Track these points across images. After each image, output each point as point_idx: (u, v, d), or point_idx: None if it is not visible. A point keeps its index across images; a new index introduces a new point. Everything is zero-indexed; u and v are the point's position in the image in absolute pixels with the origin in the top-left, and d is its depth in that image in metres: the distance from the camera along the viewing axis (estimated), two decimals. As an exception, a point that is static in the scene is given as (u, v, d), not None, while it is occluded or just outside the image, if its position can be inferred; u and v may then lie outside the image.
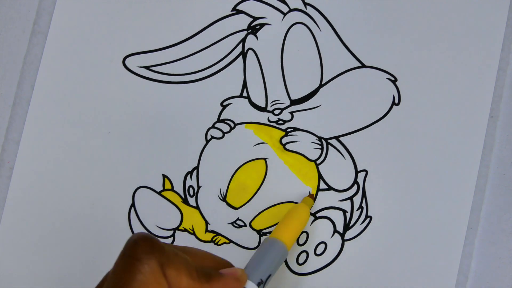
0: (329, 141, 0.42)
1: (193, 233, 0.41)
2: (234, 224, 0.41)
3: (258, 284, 0.33)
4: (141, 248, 0.27)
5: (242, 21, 0.42)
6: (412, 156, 0.41)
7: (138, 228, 0.41)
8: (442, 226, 0.41)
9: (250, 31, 0.42)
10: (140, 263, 0.27)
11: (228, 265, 0.33)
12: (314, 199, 0.41)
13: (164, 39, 0.42)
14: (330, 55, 0.42)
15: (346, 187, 0.41)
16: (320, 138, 0.42)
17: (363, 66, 0.42)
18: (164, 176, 0.42)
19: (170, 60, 0.42)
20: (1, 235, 0.41)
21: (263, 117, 0.42)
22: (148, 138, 0.42)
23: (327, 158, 0.42)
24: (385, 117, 0.42)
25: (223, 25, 0.42)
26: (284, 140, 0.42)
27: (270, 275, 0.35)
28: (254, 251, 0.40)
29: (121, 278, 0.27)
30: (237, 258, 0.40)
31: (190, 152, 0.42)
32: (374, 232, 0.41)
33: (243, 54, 0.42)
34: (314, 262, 0.41)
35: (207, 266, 0.31)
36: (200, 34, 0.42)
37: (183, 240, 0.41)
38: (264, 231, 0.41)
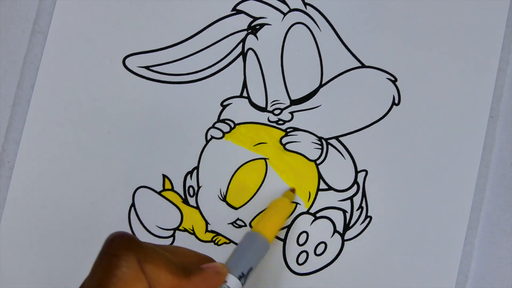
0: (329, 141, 0.42)
1: (193, 233, 0.41)
2: (234, 224, 0.41)
3: (240, 278, 0.33)
4: (119, 244, 0.27)
5: (242, 21, 0.42)
6: (412, 156, 0.41)
7: (138, 228, 0.41)
8: (442, 226, 0.41)
9: (250, 31, 0.42)
10: (118, 259, 0.27)
11: (210, 260, 0.33)
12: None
13: (164, 39, 0.42)
14: (330, 55, 0.42)
15: (346, 187, 0.41)
16: (320, 138, 0.42)
17: (363, 66, 0.42)
18: (164, 176, 0.42)
19: (170, 60, 0.42)
20: (1, 235, 0.41)
21: (263, 117, 0.42)
22: (148, 138, 0.42)
23: (327, 158, 0.42)
24: (385, 117, 0.42)
25: (223, 25, 0.42)
26: (284, 140, 0.42)
27: (251, 269, 0.35)
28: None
29: (100, 275, 0.27)
30: (237, 258, 0.40)
31: (190, 152, 0.42)
32: (374, 232, 0.41)
33: (243, 54, 0.42)
34: (314, 262, 0.41)
35: (188, 262, 0.31)
36: (200, 34, 0.42)
37: (183, 240, 0.41)
38: (264, 231, 0.41)
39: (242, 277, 0.34)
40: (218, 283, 0.32)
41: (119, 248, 0.27)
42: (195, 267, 0.30)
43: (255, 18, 0.42)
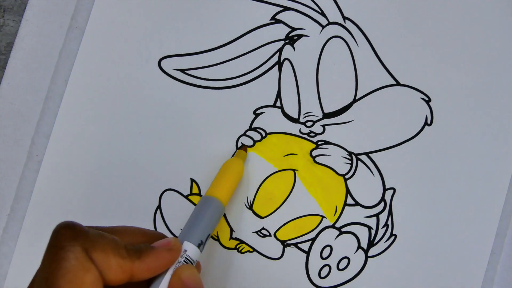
0: (359, 156, 0.42)
1: (217, 239, 0.41)
2: (259, 233, 0.41)
3: (198, 246, 0.33)
4: (63, 236, 0.27)
5: (280, 31, 0.42)
6: (440, 177, 0.41)
7: (163, 231, 0.41)
8: (465, 250, 0.41)
9: (287, 41, 0.42)
10: (63, 250, 0.27)
11: (161, 236, 0.33)
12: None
13: (202, 43, 0.42)
14: (365, 71, 0.42)
15: (373, 204, 0.41)
16: (350, 153, 0.42)
17: (398, 84, 0.42)
18: (192, 180, 0.41)
19: (206, 65, 0.42)
20: (26, 228, 0.41)
21: (295, 128, 0.42)
22: (178, 141, 0.42)
23: (356, 173, 0.41)
24: (417, 137, 0.42)
25: (261, 33, 0.42)
26: (314, 153, 0.41)
27: (209, 235, 0.34)
28: (278, 261, 0.41)
29: (47, 269, 0.27)
30: (260, 267, 0.40)
31: (220, 158, 0.41)
32: (398, 251, 0.41)
33: (279, 63, 0.42)
34: (336, 277, 0.41)
35: (138, 242, 0.31)
36: (238, 41, 0.42)
37: (207, 245, 0.41)
38: (288, 242, 0.41)
39: (201, 245, 0.33)
40: (171, 259, 0.31)
41: (64, 239, 0.27)
42: (146, 247, 0.30)
43: (293, 29, 0.42)
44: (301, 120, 0.42)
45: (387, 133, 0.42)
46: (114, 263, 0.28)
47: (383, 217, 0.41)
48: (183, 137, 0.42)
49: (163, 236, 0.33)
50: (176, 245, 0.31)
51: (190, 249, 0.32)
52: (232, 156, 0.41)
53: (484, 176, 0.41)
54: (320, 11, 0.42)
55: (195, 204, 0.41)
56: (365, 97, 0.42)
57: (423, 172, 0.42)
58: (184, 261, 0.31)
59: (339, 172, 0.41)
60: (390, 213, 0.41)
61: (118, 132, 0.42)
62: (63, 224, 0.28)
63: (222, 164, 0.40)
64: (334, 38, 0.42)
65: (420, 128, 0.42)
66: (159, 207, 0.41)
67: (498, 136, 0.42)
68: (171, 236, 0.36)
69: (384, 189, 0.41)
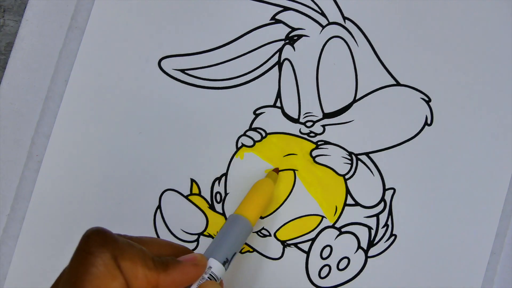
0: (359, 156, 0.42)
1: (217, 239, 0.41)
2: (259, 233, 0.41)
3: (224, 263, 0.33)
4: (93, 241, 0.27)
5: (280, 31, 0.42)
6: (440, 177, 0.41)
7: (163, 231, 0.41)
8: (465, 250, 0.41)
9: (287, 41, 0.42)
10: (92, 256, 0.27)
11: (187, 251, 0.33)
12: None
13: (202, 44, 0.42)
14: (365, 71, 0.42)
15: (373, 204, 0.41)
16: (350, 153, 0.42)
17: (398, 84, 0.42)
18: (192, 181, 0.41)
19: (206, 65, 0.42)
20: (26, 227, 0.41)
21: (295, 128, 0.42)
22: (178, 141, 0.42)
23: (356, 173, 0.42)
24: (417, 137, 0.42)
25: (261, 33, 0.42)
26: (314, 153, 0.41)
27: (235, 253, 0.34)
28: (278, 261, 0.41)
29: (75, 272, 0.27)
30: (260, 267, 0.40)
31: (220, 158, 0.41)
32: (398, 251, 0.41)
33: (279, 64, 0.42)
34: (336, 277, 0.41)
35: (165, 254, 0.31)
36: (238, 41, 0.42)
37: (207, 245, 0.41)
38: (288, 242, 0.41)
39: (226, 262, 0.33)
40: (196, 275, 0.31)
41: (94, 245, 0.27)
42: (172, 260, 0.30)
43: (293, 29, 0.42)
44: (301, 120, 0.42)
45: (387, 133, 0.42)
46: (141, 273, 0.28)
47: (383, 217, 0.41)
48: (183, 137, 0.42)
49: (189, 251, 0.33)
50: (202, 261, 0.31)
51: (215, 266, 0.32)
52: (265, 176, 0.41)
53: (484, 176, 0.41)
54: (320, 11, 0.42)
55: (195, 205, 0.41)
56: (365, 97, 0.42)
57: (423, 172, 0.42)
58: (208, 277, 0.31)
59: (339, 172, 0.41)
60: (390, 213, 0.41)
61: (118, 132, 0.42)
62: (94, 230, 0.28)
63: (225, 163, 0.40)
64: (334, 38, 0.42)
65: (420, 128, 0.42)
66: (159, 207, 0.41)
67: (498, 136, 0.42)
68: (197, 252, 0.36)
69: (384, 189, 0.41)
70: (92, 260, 0.27)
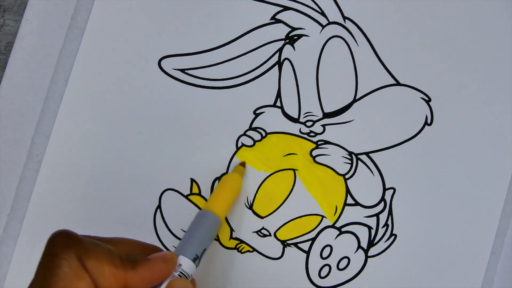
0: (359, 156, 0.42)
1: (217, 239, 0.41)
2: (259, 233, 0.41)
3: (194, 260, 0.33)
4: (58, 243, 0.27)
5: (280, 31, 0.42)
6: (440, 177, 0.41)
7: (163, 230, 0.41)
8: (465, 250, 0.41)
9: (287, 41, 0.42)
10: (57, 258, 0.27)
11: (157, 250, 0.33)
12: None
13: (202, 43, 0.42)
14: (365, 71, 0.42)
15: (373, 204, 0.41)
16: (350, 153, 0.42)
17: (398, 83, 0.42)
18: (192, 180, 0.41)
19: (206, 65, 0.42)
20: (25, 227, 0.41)
21: (295, 128, 0.42)
22: (178, 141, 0.42)
23: (356, 173, 0.41)
24: (417, 136, 0.42)
25: (261, 33, 0.42)
26: (314, 153, 0.41)
27: (205, 249, 0.34)
28: (278, 261, 0.41)
29: (41, 276, 0.27)
30: (260, 267, 0.40)
31: (220, 158, 0.41)
32: (398, 251, 0.41)
33: (279, 63, 0.42)
34: (336, 276, 0.41)
35: (134, 253, 0.31)
36: (238, 40, 0.42)
37: (207, 245, 0.41)
38: (288, 241, 0.41)
39: (196, 259, 0.33)
40: (166, 272, 0.31)
41: (59, 246, 0.27)
42: (141, 258, 0.30)
43: (293, 29, 0.42)
44: (301, 120, 0.42)
45: (387, 133, 0.42)
46: (107, 271, 0.28)
47: (383, 217, 0.41)
48: (183, 137, 0.42)
49: (159, 250, 0.33)
50: (172, 258, 0.31)
51: (185, 263, 0.32)
52: (230, 171, 0.41)
53: (484, 176, 0.41)
54: (320, 11, 0.42)
55: (195, 204, 0.41)
56: (365, 97, 0.42)
57: (423, 172, 0.42)
58: (178, 275, 0.31)
59: (339, 172, 0.41)
60: (390, 213, 0.41)
61: (118, 132, 0.42)
62: (58, 232, 0.28)
63: (225, 162, 0.40)
64: (334, 38, 0.42)
65: (420, 128, 0.42)
66: (159, 207, 0.41)
67: (498, 136, 0.42)
68: (167, 249, 0.36)
69: (384, 189, 0.41)
70: (57, 262, 0.27)
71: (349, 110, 0.42)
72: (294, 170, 0.41)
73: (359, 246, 0.41)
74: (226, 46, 0.42)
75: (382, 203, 0.41)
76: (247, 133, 0.42)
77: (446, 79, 0.42)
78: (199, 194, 0.41)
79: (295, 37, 0.42)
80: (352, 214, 0.41)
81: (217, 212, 0.36)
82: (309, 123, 0.42)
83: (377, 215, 0.41)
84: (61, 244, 0.27)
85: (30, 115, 0.42)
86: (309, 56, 0.42)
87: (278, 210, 0.41)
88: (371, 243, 0.41)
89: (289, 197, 0.41)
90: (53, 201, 0.41)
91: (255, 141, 0.42)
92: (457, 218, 0.41)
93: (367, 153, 0.42)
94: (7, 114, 0.42)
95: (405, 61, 0.42)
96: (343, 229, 0.41)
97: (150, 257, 0.30)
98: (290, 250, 0.41)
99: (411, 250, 0.41)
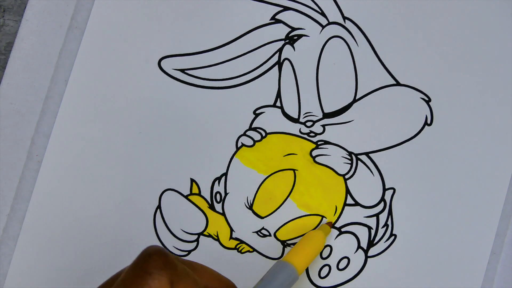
0: (359, 156, 0.42)
1: (217, 239, 0.41)
2: (259, 233, 0.41)
3: None
4: (154, 262, 0.27)
5: (280, 31, 0.42)
6: (440, 177, 0.41)
7: (162, 230, 0.41)
8: (465, 250, 0.41)
9: (287, 41, 0.42)
10: (151, 277, 0.27)
11: (231, 286, 0.33)
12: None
13: (202, 43, 0.42)
14: (365, 71, 0.42)
15: (373, 204, 0.41)
16: (350, 153, 0.42)
17: (398, 84, 0.42)
18: (192, 180, 0.41)
19: (206, 65, 0.42)
20: (25, 228, 0.41)
21: (295, 128, 0.42)
22: (178, 141, 0.42)
23: (356, 173, 0.42)
24: (417, 137, 0.42)
25: (261, 33, 0.42)
26: (314, 153, 0.41)
27: None
28: (277, 260, 0.41)
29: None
30: (260, 267, 0.40)
31: (220, 158, 0.41)
32: (398, 251, 0.41)
33: (279, 63, 0.42)
34: (336, 277, 0.41)
35: (212, 286, 0.31)
36: (238, 40, 0.42)
37: (207, 245, 0.41)
38: (288, 242, 0.41)
39: None
40: None
41: (154, 266, 0.27)
42: None
43: (293, 29, 0.42)
44: (301, 120, 0.42)
45: (387, 133, 0.42)
46: None
47: (383, 217, 0.41)
48: (183, 137, 0.42)
49: (233, 286, 0.33)
50: None
51: None
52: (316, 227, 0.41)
53: (484, 176, 0.41)
54: (320, 11, 0.42)
55: (195, 204, 0.41)
56: (365, 97, 0.42)
57: (423, 172, 0.42)
58: None
59: (339, 172, 0.41)
60: (390, 213, 0.41)
61: (118, 132, 0.42)
62: (157, 250, 0.28)
63: (223, 161, 0.40)
64: (334, 38, 0.42)
65: (420, 128, 0.42)
66: (159, 207, 0.41)
67: (498, 136, 0.42)
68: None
69: (384, 189, 0.41)
70: (149, 281, 0.27)
71: (349, 110, 0.42)
72: (294, 170, 0.41)
73: (359, 246, 0.41)
74: (226, 46, 0.42)
75: (382, 203, 0.41)
76: (247, 133, 0.42)
77: (446, 79, 0.42)
78: (199, 194, 0.41)
79: (295, 37, 0.42)
80: (352, 214, 0.41)
81: (297, 266, 0.35)
82: (309, 123, 0.42)
83: (377, 215, 0.41)
84: (158, 264, 0.27)
85: (30, 115, 0.42)
86: (309, 56, 0.42)
87: (278, 210, 0.41)
88: (371, 243, 0.41)
89: (289, 197, 0.41)
90: (53, 201, 0.41)
91: (255, 141, 0.42)
92: (457, 218, 0.41)
93: (367, 153, 0.42)
94: (7, 114, 0.42)
95: (405, 61, 0.42)
96: (343, 229, 0.41)
97: None
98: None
99: (411, 250, 0.41)
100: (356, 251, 0.41)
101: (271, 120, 0.42)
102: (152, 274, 0.27)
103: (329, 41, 0.42)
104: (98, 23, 0.42)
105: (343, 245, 0.41)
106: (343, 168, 0.41)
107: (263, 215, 0.41)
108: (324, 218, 0.41)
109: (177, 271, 0.28)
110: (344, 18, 0.42)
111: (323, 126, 0.42)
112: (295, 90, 0.42)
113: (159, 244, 0.41)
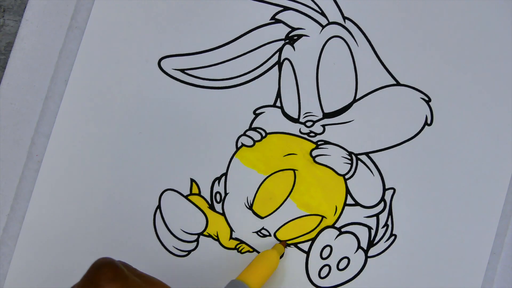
0: (359, 156, 0.42)
1: (217, 239, 0.41)
2: (258, 233, 0.41)
3: None
4: (104, 275, 0.27)
5: (280, 31, 0.42)
6: (440, 177, 0.41)
7: (162, 231, 0.41)
8: (465, 250, 0.41)
9: (287, 41, 0.42)
10: None
11: None
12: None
13: (201, 43, 0.42)
14: (365, 71, 0.42)
15: (373, 204, 0.41)
16: (350, 153, 0.42)
17: (398, 84, 0.42)
18: (192, 181, 0.41)
19: (206, 65, 0.42)
20: (25, 227, 0.41)
21: (295, 128, 0.42)
22: (178, 141, 0.42)
23: (356, 173, 0.41)
24: (417, 137, 0.42)
25: (261, 33, 0.42)
26: (314, 153, 0.41)
27: None
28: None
29: None
30: (260, 267, 0.40)
31: (220, 158, 0.41)
32: (398, 251, 0.41)
33: (279, 63, 0.42)
34: (336, 277, 0.41)
35: None
36: (238, 40, 0.42)
37: (207, 245, 0.41)
38: (288, 242, 0.41)
39: None
40: None
41: (104, 279, 0.27)
42: None
43: (293, 29, 0.42)
44: (301, 120, 0.42)
45: (387, 133, 0.42)
46: None
47: (383, 217, 0.41)
48: (184, 137, 0.42)
49: None
50: None
51: None
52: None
53: (484, 176, 0.41)
54: (320, 11, 0.42)
55: (195, 204, 0.41)
56: (365, 97, 0.42)
57: (423, 172, 0.41)
58: None
59: (339, 172, 0.41)
60: (390, 213, 0.41)
61: (118, 132, 0.42)
62: (105, 262, 0.28)
63: (223, 161, 0.39)
64: (334, 38, 0.42)
65: (420, 128, 0.42)
66: (159, 207, 0.41)
67: (498, 136, 0.42)
68: None
69: (384, 189, 0.41)
70: None
71: (349, 110, 0.42)
72: (294, 170, 0.41)
73: (359, 246, 0.41)
74: (226, 46, 0.42)
75: (382, 203, 0.41)
76: (247, 133, 0.42)
77: (446, 79, 0.42)
78: (199, 194, 0.41)
79: (295, 37, 0.42)
80: (352, 214, 0.41)
81: (250, 285, 0.36)
82: (309, 123, 0.42)
83: (377, 215, 0.41)
84: (108, 276, 0.27)
85: (30, 115, 0.42)
86: (309, 56, 0.42)
87: (278, 210, 0.41)
88: (371, 243, 0.41)
89: (288, 197, 0.41)
90: (53, 201, 0.41)
91: (255, 141, 0.41)
92: (457, 218, 0.41)
93: (367, 153, 0.42)
94: (7, 114, 0.42)
95: (405, 61, 0.42)
96: (343, 229, 0.41)
97: None
98: (290, 250, 0.41)
99: (411, 250, 0.41)
100: (356, 251, 0.41)
101: (271, 120, 0.42)
102: (101, 286, 0.27)
103: (329, 41, 0.42)
104: (98, 23, 0.42)
105: (343, 245, 0.41)
106: (343, 168, 0.41)
107: (263, 215, 0.41)
108: (324, 218, 0.41)
109: (127, 282, 0.28)
110: (344, 18, 0.42)
111: (323, 126, 0.42)
112: (295, 90, 0.42)
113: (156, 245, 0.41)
